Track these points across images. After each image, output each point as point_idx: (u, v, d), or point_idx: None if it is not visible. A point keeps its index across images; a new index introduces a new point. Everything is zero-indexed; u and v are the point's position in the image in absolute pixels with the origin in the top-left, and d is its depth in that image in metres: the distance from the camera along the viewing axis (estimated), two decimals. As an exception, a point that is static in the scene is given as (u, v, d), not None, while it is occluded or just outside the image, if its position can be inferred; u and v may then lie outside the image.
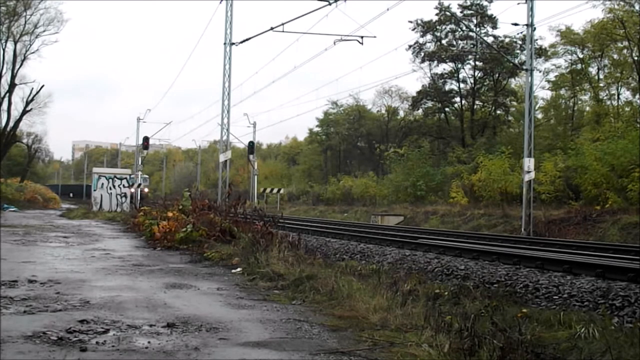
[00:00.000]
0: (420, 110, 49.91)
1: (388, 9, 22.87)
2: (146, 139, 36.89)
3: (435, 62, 45.93)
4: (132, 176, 35.94)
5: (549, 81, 43.16)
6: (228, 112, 25.13)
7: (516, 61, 38.35)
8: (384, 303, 5.79)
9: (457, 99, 47.44)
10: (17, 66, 42.99)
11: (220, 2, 25.52)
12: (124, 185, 33.64)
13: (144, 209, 20.06)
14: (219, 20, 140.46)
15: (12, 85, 43.02)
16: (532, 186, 22.92)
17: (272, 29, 23.92)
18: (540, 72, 42.28)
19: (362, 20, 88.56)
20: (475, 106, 46.67)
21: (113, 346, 4.35)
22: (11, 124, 44.47)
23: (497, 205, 29.45)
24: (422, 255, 11.96)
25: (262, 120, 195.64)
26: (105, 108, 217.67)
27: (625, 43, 35.92)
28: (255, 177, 39.10)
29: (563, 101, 43.88)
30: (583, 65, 40.22)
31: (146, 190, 56.88)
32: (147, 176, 66.25)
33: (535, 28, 23.33)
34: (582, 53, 40.46)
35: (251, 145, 37.12)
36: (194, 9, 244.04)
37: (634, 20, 34.11)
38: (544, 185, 28.27)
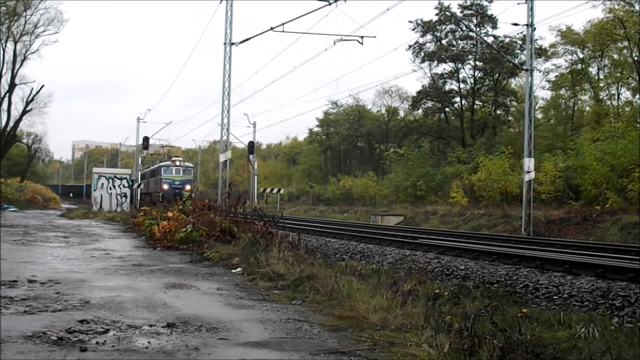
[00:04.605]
0: (420, 110, 49.98)
1: (388, 9, 22.86)
2: (146, 139, 36.89)
3: (435, 62, 45.99)
4: (131, 177, 35.83)
5: (549, 81, 43.27)
6: (228, 112, 25.15)
7: (516, 61, 38.38)
8: (384, 303, 5.79)
9: (457, 99, 47.50)
10: (17, 66, 43.15)
11: (220, 2, 25.55)
12: (124, 185, 33.63)
13: (144, 208, 20.05)
14: (219, 20, 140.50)
15: (12, 85, 43.09)
16: (532, 186, 22.91)
17: (272, 29, 23.93)
18: (540, 72, 42.39)
19: (362, 20, 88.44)
20: (475, 106, 46.70)
21: (113, 346, 4.35)
22: (11, 124, 44.65)
23: (497, 205, 29.45)
24: (422, 255, 11.96)
25: (262, 120, 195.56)
26: (105, 108, 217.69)
27: (625, 43, 35.93)
28: (255, 177, 39.04)
29: (563, 101, 43.90)
30: (583, 65, 40.23)
31: (188, 187, 36.77)
32: (190, 165, 43.04)
33: (535, 28, 23.33)
34: (582, 53, 40.49)
35: (251, 145, 37.11)
36: (194, 9, 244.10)
37: (634, 20, 34.12)
38: (544, 185, 28.27)
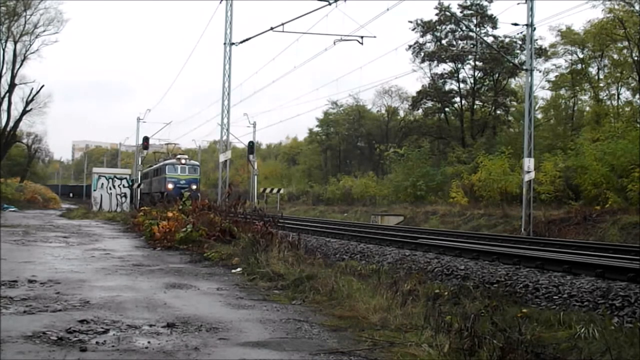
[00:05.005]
0: (420, 110, 49.94)
1: (388, 9, 22.87)
2: (146, 139, 36.89)
3: (435, 62, 45.96)
4: (131, 177, 35.78)
5: (549, 81, 43.27)
6: (228, 112, 25.16)
7: (516, 61, 38.36)
8: (384, 303, 5.79)
9: (457, 99, 47.48)
10: (17, 66, 43.18)
11: (220, 2, 25.56)
12: (124, 185, 33.61)
13: (144, 208, 20.04)
14: (219, 20, 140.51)
15: (12, 85, 43.13)
16: (532, 186, 22.91)
17: (272, 29, 23.94)
18: (540, 72, 42.39)
19: (362, 20, 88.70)
20: (475, 106, 46.69)
21: (113, 346, 4.35)
22: (11, 124, 44.68)
23: (497, 205, 29.45)
24: (422, 255, 11.95)
25: (262, 120, 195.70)
26: (105, 108, 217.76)
27: (625, 43, 35.92)
28: (255, 177, 39.03)
29: (563, 101, 43.90)
30: (583, 65, 40.24)
31: (194, 187, 35.10)
32: (197, 164, 39.96)
33: (535, 28, 23.35)
34: (582, 53, 40.49)
35: (251, 145, 37.09)
36: (194, 9, 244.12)
37: (634, 20, 34.12)
38: (544, 185, 28.27)
